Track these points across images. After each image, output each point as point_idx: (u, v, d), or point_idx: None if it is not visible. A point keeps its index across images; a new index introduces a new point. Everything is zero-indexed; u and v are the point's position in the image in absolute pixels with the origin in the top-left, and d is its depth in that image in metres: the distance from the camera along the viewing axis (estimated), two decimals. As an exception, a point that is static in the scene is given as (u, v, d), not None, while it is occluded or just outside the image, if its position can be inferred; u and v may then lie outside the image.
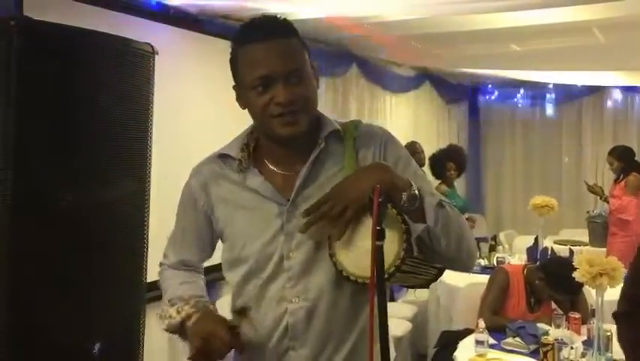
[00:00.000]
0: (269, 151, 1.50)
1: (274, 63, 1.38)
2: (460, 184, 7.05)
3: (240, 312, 1.47)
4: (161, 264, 1.68)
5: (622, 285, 2.06)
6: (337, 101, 5.48)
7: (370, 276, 1.20)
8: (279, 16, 1.45)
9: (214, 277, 1.89)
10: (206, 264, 1.67)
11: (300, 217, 1.40)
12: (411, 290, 5.47)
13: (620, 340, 2.01)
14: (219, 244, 1.60)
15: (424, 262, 1.41)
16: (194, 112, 3.72)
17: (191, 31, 3.73)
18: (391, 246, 1.28)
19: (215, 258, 1.62)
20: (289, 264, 1.45)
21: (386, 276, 1.27)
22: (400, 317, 4.97)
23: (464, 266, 1.47)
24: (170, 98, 3.41)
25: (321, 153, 1.47)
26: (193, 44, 3.72)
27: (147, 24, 3.39)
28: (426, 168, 6.27)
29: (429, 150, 6.45)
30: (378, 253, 1.22)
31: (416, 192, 1.34)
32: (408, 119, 6.99)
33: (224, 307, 1.66)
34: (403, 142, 6.46)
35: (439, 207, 1.37)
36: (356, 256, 1.31)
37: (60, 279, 1.90)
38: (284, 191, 1.47)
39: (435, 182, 6.15)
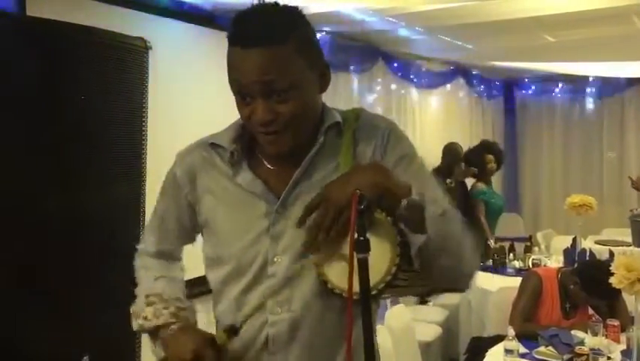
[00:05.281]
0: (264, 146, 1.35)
1: (249, 76, 1.20)
2: (496, 182, 6.79)
3: (229, 331, 1.31)
4: (137, 249, 1.53)
5: None
6: (362, 98, 5.30)
7: (348, 291, 1.05)
8: (281, 4, 1.24)
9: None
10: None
11: (289, 219, 1.27)
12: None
13: None
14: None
15: (418, 277, 1.25)
16: (207, 109, 3.62)
17: (205, 27, 3.61)
18: (382, 259, 1.14)
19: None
20: (273, 270, 1.30)
21: (375, 292, 1.14)
22: (429, 321, 4.78)
23: (458, 287, 1.32)
24: (185, 95, 3.32)
25: (320, 149, 1.32)
26: (207, 41, 3.60)
27: (160, 20, 3.29)
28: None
29: (463, 147, 6.22)
30: (362, 267, 1.08)
31: (417, 198, 1.18)
32: (439, 116, 6.75)
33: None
34: (437, 141, 6.17)
35: (442, 217, 1.20)
36: (343, 268, 1.15)
37: (46, 287, 1.80)
38: (276, 189, 1.32)
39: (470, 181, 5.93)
